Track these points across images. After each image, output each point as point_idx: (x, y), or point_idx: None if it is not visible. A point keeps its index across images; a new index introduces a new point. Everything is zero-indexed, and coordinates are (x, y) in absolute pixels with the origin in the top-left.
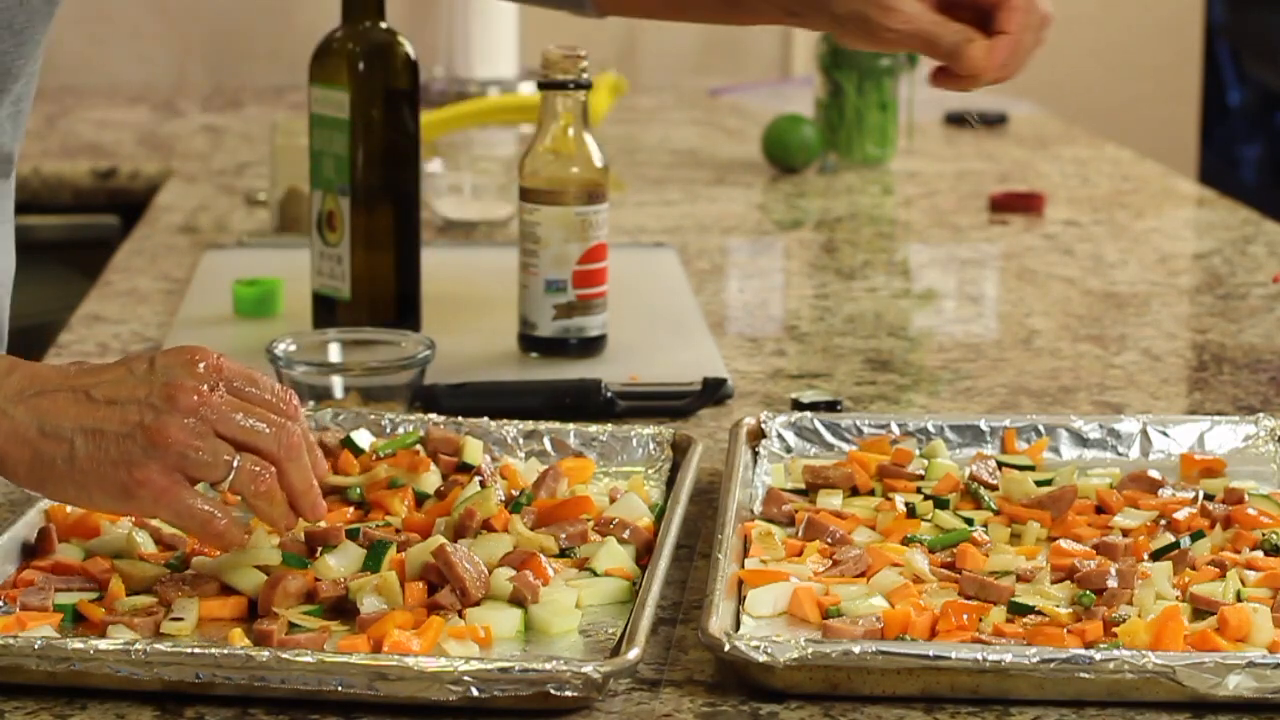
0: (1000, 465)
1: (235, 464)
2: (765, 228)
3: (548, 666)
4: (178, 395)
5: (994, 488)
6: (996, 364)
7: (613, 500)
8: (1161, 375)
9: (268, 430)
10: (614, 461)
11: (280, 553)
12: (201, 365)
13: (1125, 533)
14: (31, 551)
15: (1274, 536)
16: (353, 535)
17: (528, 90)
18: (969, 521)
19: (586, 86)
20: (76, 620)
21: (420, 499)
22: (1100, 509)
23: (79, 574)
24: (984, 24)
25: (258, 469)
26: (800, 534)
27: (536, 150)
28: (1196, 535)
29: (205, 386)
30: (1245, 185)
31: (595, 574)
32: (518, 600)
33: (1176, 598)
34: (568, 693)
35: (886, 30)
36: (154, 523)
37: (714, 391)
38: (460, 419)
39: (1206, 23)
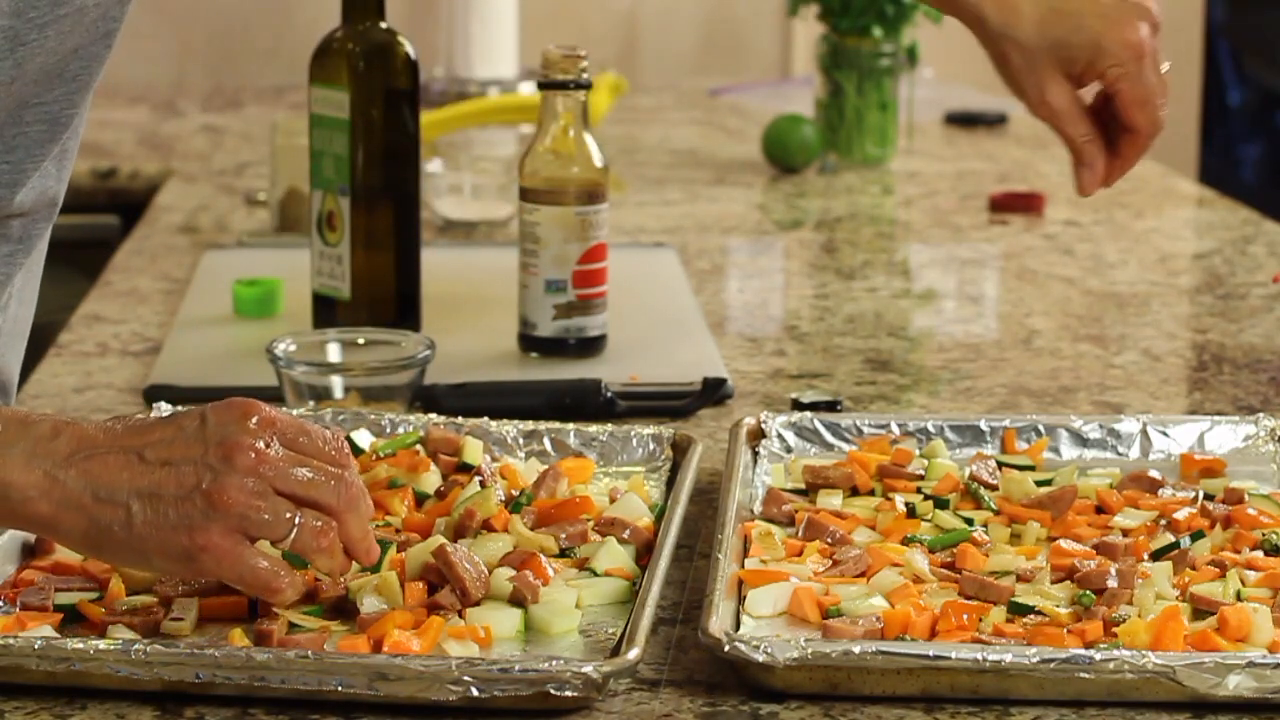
0: (1000, 465)
1: (297, 521)
2: (765, 228)
3: (548, 666)
4: (235, 455)
5: (994, 488)
6: (996, 364)
7: (613, 500)
8: (1161, 375)
9: (327, 484)
10: (614, 461)
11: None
12: (255, 421)
13: (1125, 533)
14: (31, 551)
15: (1274, 536)
16: None
17: (528, 90)
18: (969, 521)
19: (586, 86)
20: (76, 620)
21: (420, 499)
22: (1100, 509)
23: (79, 574)
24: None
25: (319, 524)
26: (800, 534)
27: (536, 150)
28: (1196, 535)
29: (261, 443)
30: (1245, 185)
31: (595, 574)
32: (518, 600)
33: (1176, 598)
34: (568, 693)
35: (1032, 106)
36: None
37: (714, 391)
38: (460, 419)
39: (1206, 23)
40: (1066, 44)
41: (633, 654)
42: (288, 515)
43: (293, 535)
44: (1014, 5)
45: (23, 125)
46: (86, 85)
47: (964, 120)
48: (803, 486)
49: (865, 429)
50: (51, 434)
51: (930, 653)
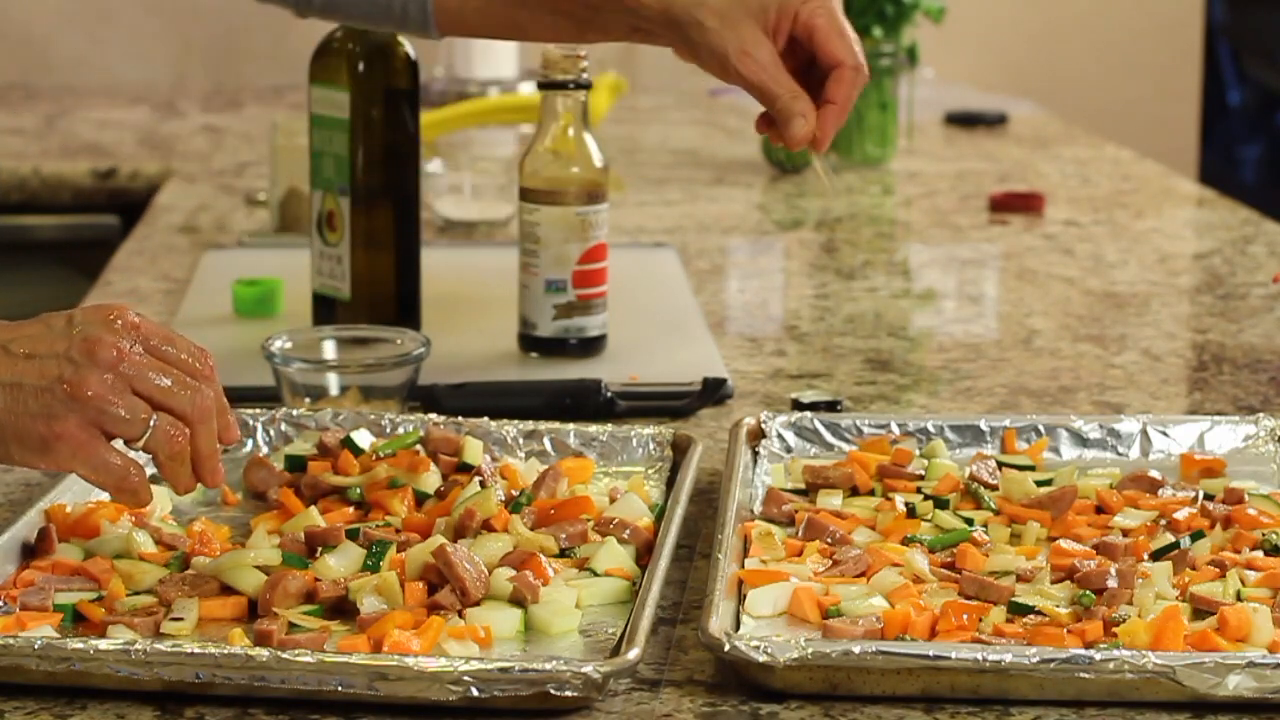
0: (1000, 465)
1: (152, 422)
2: (765, 228)
3: (548, 666)
4: (97, 350)
5: (994, 488)
6: (996, 364)
7: (613, 500)
8: (1161, 375)
9: (184, 392)
10: (614, 461)
11: (280, 553)
12: (120, 322)
13: (1125, 533)
14: (31, 551)
15: (1274, 536)
16: (353, 535)
17: (528, 90)
18: (969, 521)
19: (586, 86)
20: (76, 620)
21: (420, 499)
22: (1100, 509)
23: (79, 574)
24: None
25: (173, 430)
26: (800, 534)
27: (536, 150)
28: (1196, 535)
29: (125, 343)
30: (1245, 185)
31: (595, 574)
32: (518, 600)
33: (1176, 598)
34: (568, 693)
35: (734, 70)
36: (154, 523)
37: (714, 391)
38: (460, 419)
39: (1206, 23)
40: (762, 3)
41: (633, 654)
42: (143, 415)
43: (147, 435)
44: None
45: None
46: None
47: (964, 120)
48: (803, 486)
49: (865, 429)
50: None
51: (930, 653)
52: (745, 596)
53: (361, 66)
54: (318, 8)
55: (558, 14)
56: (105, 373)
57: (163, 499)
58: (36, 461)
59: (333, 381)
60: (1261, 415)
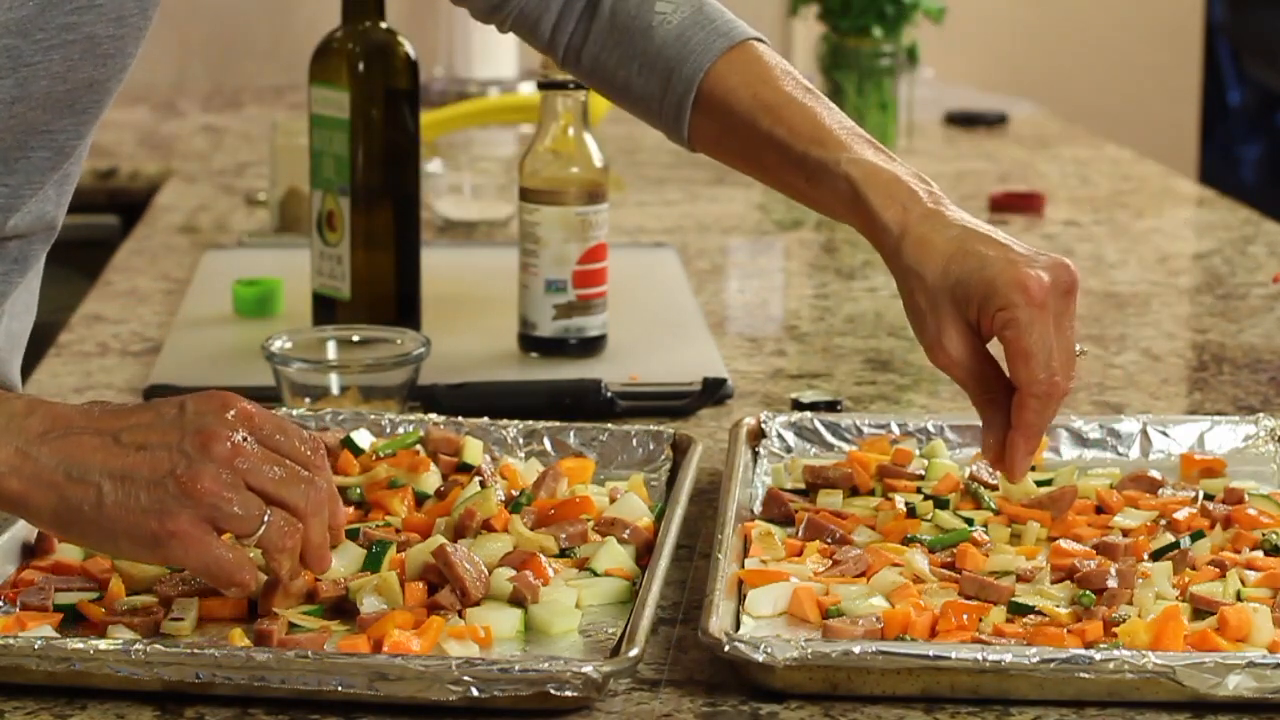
0: None
1: (266, 518)
2: (765, 228)
3: (548, 666)
4: (211, 444)
5: (994, 488)
6: None
7: (613, 500)
8: (1161, 375)
9: (298, 485)
10: (614, 461)
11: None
12: (233, 413)
13: (1125, 533)
14: (31, 551)
15: (1274, 536)
16: (353, 535)
17: (528, 90)
18: (969, 521)
19: (586, 86)
20: (76, 620)
21: (420, 499)
22: (1100, 509)
23: (79, 574)
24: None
25: (286, 526)
26: (800, 534)
27: (536, 150)
28: (1196, 535)
29: (238, 436)
30: (1245, 185)
31: (595, 574)
32: (518, 600)
33: (1176, 598)
34: (568, 693)
35: (928, 351)
36: None
37: (714, 391)
38: (460, 419)
39: (1206, 23)
40: (965, 282)
41: (633, 654)
42: (256, 512)
43: (260, 531)
44: (928, 240)
45: (27, 150)
46: (95, 117)
47: (964, 120)
48: (803, 486)
49: (865, 429)
50: (25, 411)
51: (930, 653)
52: (745, 596)
53: (361, 66)
54: (584, 74)
55: (799, 196)
56: (220, 468)
57: None
58: (146, 557)
59: (333, 381)
60: (1261, 415)
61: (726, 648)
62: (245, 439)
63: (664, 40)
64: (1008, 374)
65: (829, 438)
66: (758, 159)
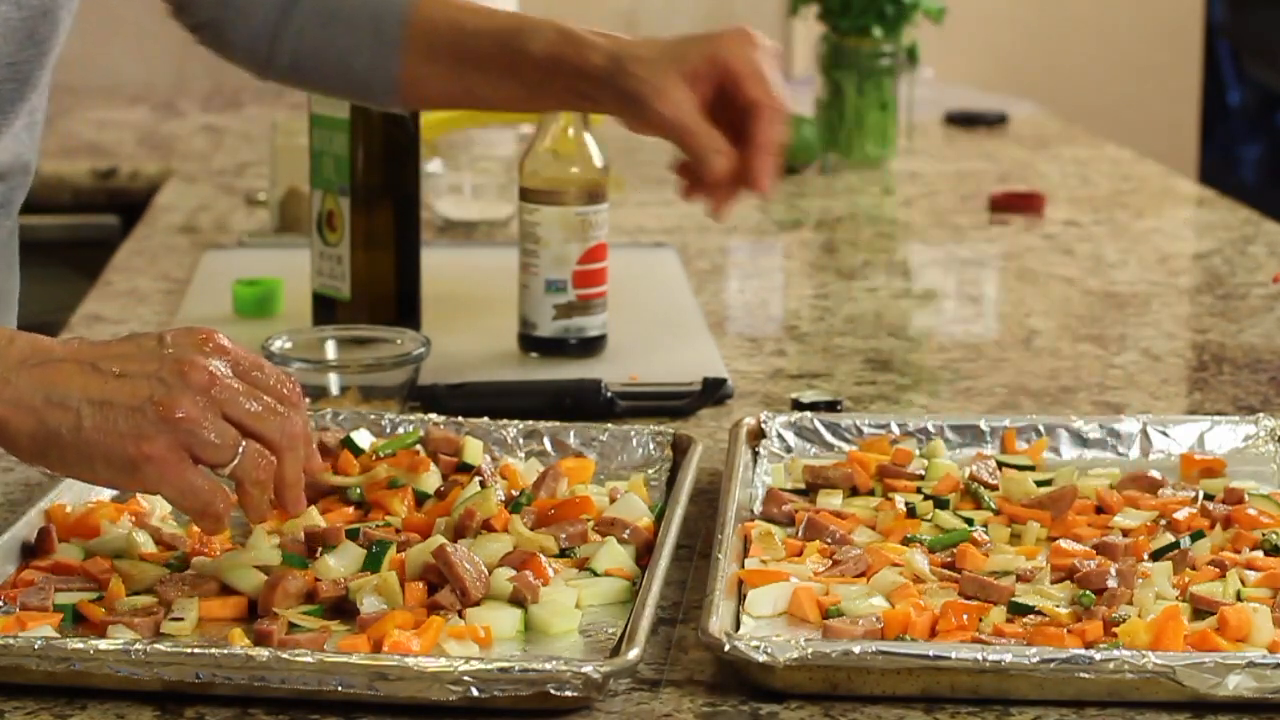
0: (1000, 465)
1: (241, 448)
2: (765, 228)
3: (548, 666)
4: (190, 373)
5: (994, 488)
6: (996, 364)
7: (613, 500)
8: (1161, 375)
9: (273, 419)
10: (614, 461)
11: (280, 553)
12: (210, 345)
13: (1125, 533)
14: (31, 551)
15: (1274, 536)
16: (353, 535)
17: None
18: (969, 521)
19: None
20: (76, 620)
21: (420, 499)
22: (1100, 509)
23: (79, 574)
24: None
25: (260, 458)
26: (800, 534)
27: (536, 150)
28: (1196, 535)
29: (216, 367)
30: (1245, 185)
31: (595, 574)
32: (518, 600)
33: (1176, 598)
34: (568, 693)
35: (653, 112)
36: (154, 522)
37: (714, 391)
38: (460, 419)
39: (1206, 23)
40: (685, 54)
41: (633, 654)
42: (232, 441)
43: (235, 462)
44: (640, 47)
45: None
46: (54, 47)
47: (964, 120)
48: (803, 486)
49: (865, 429)
50: (6, 341)
51: (930, 653)
52: (745, 596)
53: None
54: (280, 72)
55: (514, 82)
56: (197, 395)
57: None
58: (122, 482)
59: (333, 381)
60: (1261, 415)
61: (726, 648)
62: (223, 370)
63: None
64: (740, 95)
65: (829, 438)
66: (469, 63)
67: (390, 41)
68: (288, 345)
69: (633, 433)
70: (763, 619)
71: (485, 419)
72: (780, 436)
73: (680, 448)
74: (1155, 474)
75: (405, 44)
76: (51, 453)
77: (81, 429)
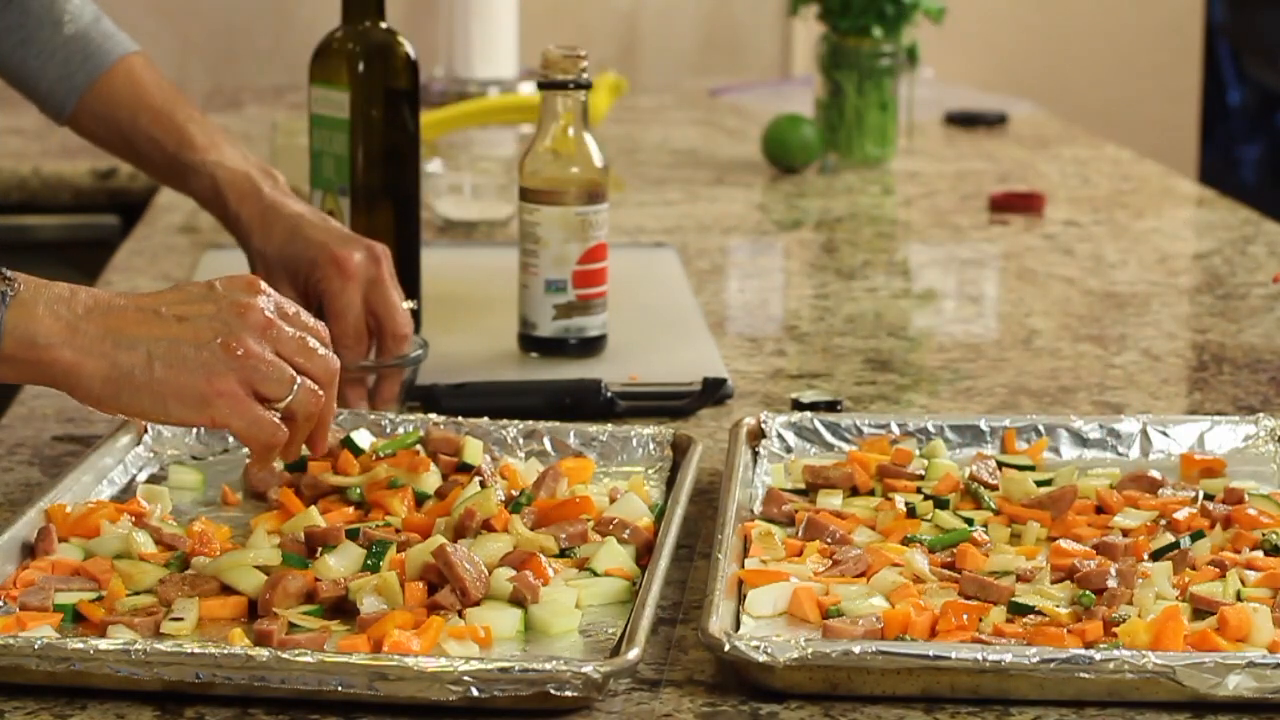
0: (1000, 465)
1: (297, 384)
2: (765, 228)
3: (548, 666)
4: (248, 314)
5: (994, 488)
6: (996, 364)
7: (613, 500)
8: (1161, 375)
9: (320, 357)
10: (614, 461)
11: (280, 553)
12: (259, 289)
13: (1125, 533)
14: (31, 551)
15: (1274, 536)
16: (353, 535)
17: (528, 90)
18: (969, 521)
19: (586, 86)
20: (76, 620)
21: (420, 499)
22: (1100, 509)
23: (79, 574)
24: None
25: (312, 394)
26: (800, 534)
27: (536, 150)
28: (1196, 535)
29: (269, 308)
30: (1245, 185)
31: (595, 574)
32: (518, 600)
33: (1176, 598)
34: (568, 693)
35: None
36: (154, 522)
37: (714, 391)
38: (460, 419)
39: (1206, 23)
40: (295, 259)
41: (633, 654)
42: (289, 377)
43: (290, 397)
44: (270, 228)
45: None
46: None
47: (964, 120)
48: (803, 486)
49: (865, 429)
50: (70, 294)
51: (930, 653)
52: (745, 596)
53: (361, 66)
54: None
55: (150, 166)
56: (258, 334)
57: (163, 499)
58: (192, 418)
59: None
60: (1261, 415)
61: (726, 648)
62: (274, 311)
63: (68, 36)
64: None
65: (829, 438)
66: (136, 151)
67: (69, 93)
68: None
69: (633, 433)
70: (763, 619)
71: (485, 419)
72: (780, 436)
73: (680, 448)
74: (1155, 474)
75: (86, 104)
76: (124, 394)
77: (153, 369)
